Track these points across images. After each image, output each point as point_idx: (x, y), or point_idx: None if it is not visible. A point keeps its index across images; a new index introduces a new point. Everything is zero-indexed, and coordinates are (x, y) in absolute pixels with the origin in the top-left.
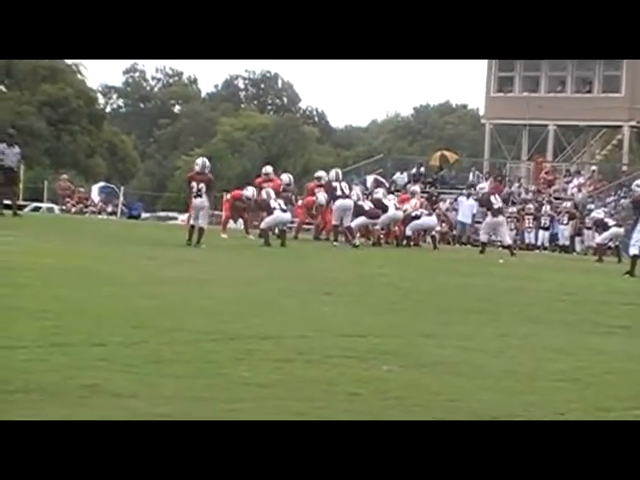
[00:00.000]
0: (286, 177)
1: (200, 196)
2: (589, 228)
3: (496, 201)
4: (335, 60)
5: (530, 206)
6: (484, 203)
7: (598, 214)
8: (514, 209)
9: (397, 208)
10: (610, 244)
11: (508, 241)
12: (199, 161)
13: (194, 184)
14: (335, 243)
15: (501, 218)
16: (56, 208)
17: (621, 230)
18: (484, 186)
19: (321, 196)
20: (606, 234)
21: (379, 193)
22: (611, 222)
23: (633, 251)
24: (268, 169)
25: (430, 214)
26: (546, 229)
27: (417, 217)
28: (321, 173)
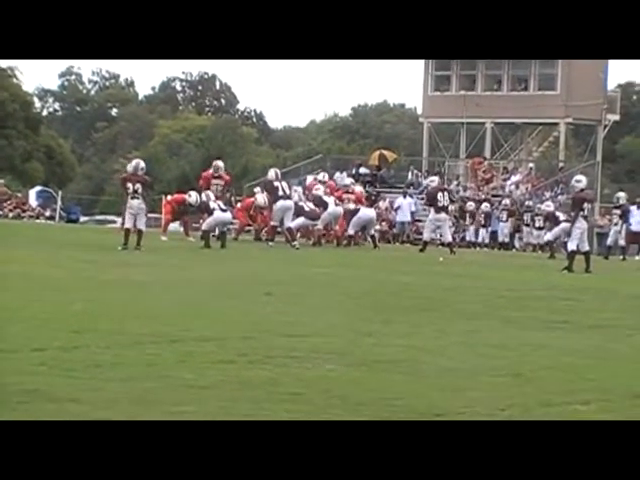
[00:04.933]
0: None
1: (137, 198)
2: (527, 225)
3: (442, 199)
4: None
5: (470, 204)
6: (429, 198)
7: (548, 207)
8: (452, 207)
9: (337, 204)
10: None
11: (449, 239)
12: (133, 162)
13: (130, 185)
14: (271, 243)
15: (444, 215)
16: None
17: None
18: (434, 179)
19: (260, 197)
20: (556, 230)
21: (319, 190)
22: (562, 216)
23: (571, 247)
24: (219, 164)
25: (368, 207)
26: (484, 226)
27: (356, 211)
28: (218, 162)
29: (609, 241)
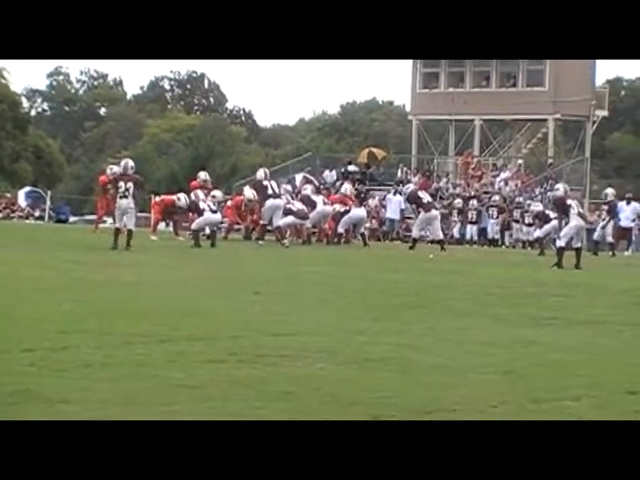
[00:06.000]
0: (218, 193)
1: (127, 197)
2: (517, 221)
3: (424, 196)
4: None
5: (458, 201)
6: (413, 200)
7: (537, 207)
8: (443, 204)
9: (325, 203)
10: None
11: (440, 236)
12: (122, 162)
13: (122, 184)
14: (261, 242)
15: (434, 212)
16: None
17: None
18: (410, 185)
19: (248, 191)
20: (547, 227)
21: (307, 190)
22: (552, 214)
23: (560, 244)
24: (205, 176)
25: (358, 206)
26: (474, 223)
27: (347, 212)
28: (201, 173)
29: (595, 236)
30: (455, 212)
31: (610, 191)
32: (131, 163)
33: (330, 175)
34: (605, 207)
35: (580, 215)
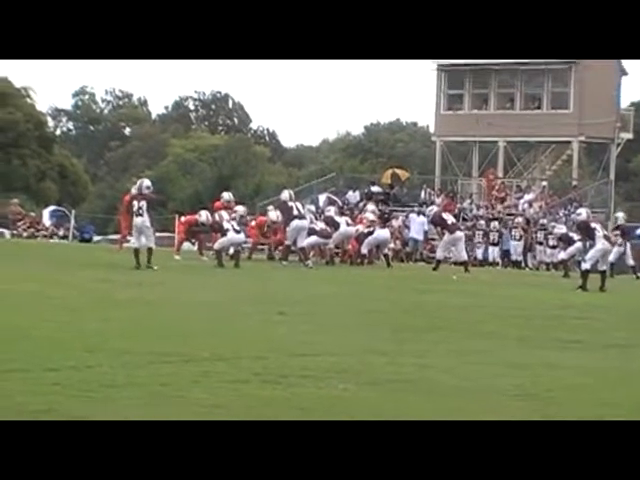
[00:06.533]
0: (241, 209)
1: (141, 215)
2: (541, 243)
3: (448, 217)
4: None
5: (481, 222)
6: (437, 222)
7: (560, 229)
8: (466, 225)
9: (348, 224)
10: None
11: (464, 257)
12: (137, 182)
13: (135, 203)
14: (284, 263)
15: (459, 233)
16: (7, 233)
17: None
18: (433, 207)
19: (272, 214)
20: (571, 249)
21: (330, 211)
22: (576, 237)
23: (585, 266)
24: (228, 197)
25: (382, 228)
26: (495, 245)
27: (370, 233)
28: (225, 194)
29: (611, 258)
30: (479, 234)
31: (621, 215)
32: (146, 183)
33: (353, 196)
34: (617, 231)
35: (605, 238)
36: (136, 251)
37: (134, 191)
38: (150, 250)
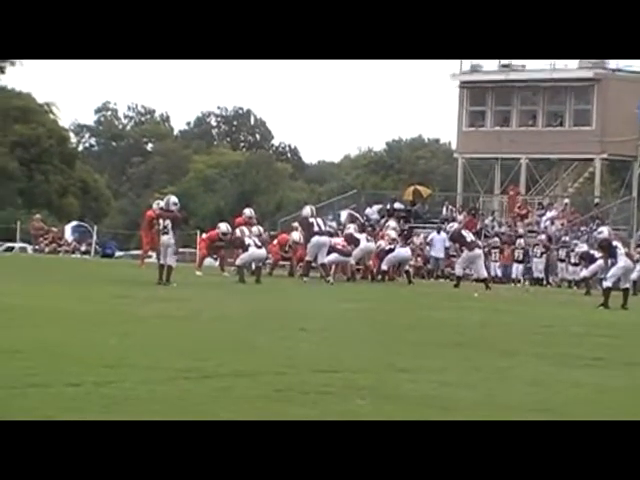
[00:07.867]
0: (257, 229)
1: (167, 233)
2: (563, 260)
3: (467, 235)
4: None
5: (495, 239)
6: (456, 239)
7: (582, 247)
8: (488, 242)
9: (368, 240)
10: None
11: (484, 274)
12: (164, 198)
13: (161, 221)
14: (305, 279)
15: (478, 251)
16: (29, 248)
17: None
18: (454, 224)
19: (296, 234)
20: (593, 267)
21: (350, 229)
22: (597, 254)
23: (607, 284)
24: (250, 213)
25: (403, 246)
26: (520, 262)
27: (391, 250)
28: (246, 210)
29: (634, 276)
30: (495, 252)
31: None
32: (173, 199)
33: (372, 212)
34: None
35: (627, 255)
36: (161, 267)
37: (158, 207)
38: (170, 268)
